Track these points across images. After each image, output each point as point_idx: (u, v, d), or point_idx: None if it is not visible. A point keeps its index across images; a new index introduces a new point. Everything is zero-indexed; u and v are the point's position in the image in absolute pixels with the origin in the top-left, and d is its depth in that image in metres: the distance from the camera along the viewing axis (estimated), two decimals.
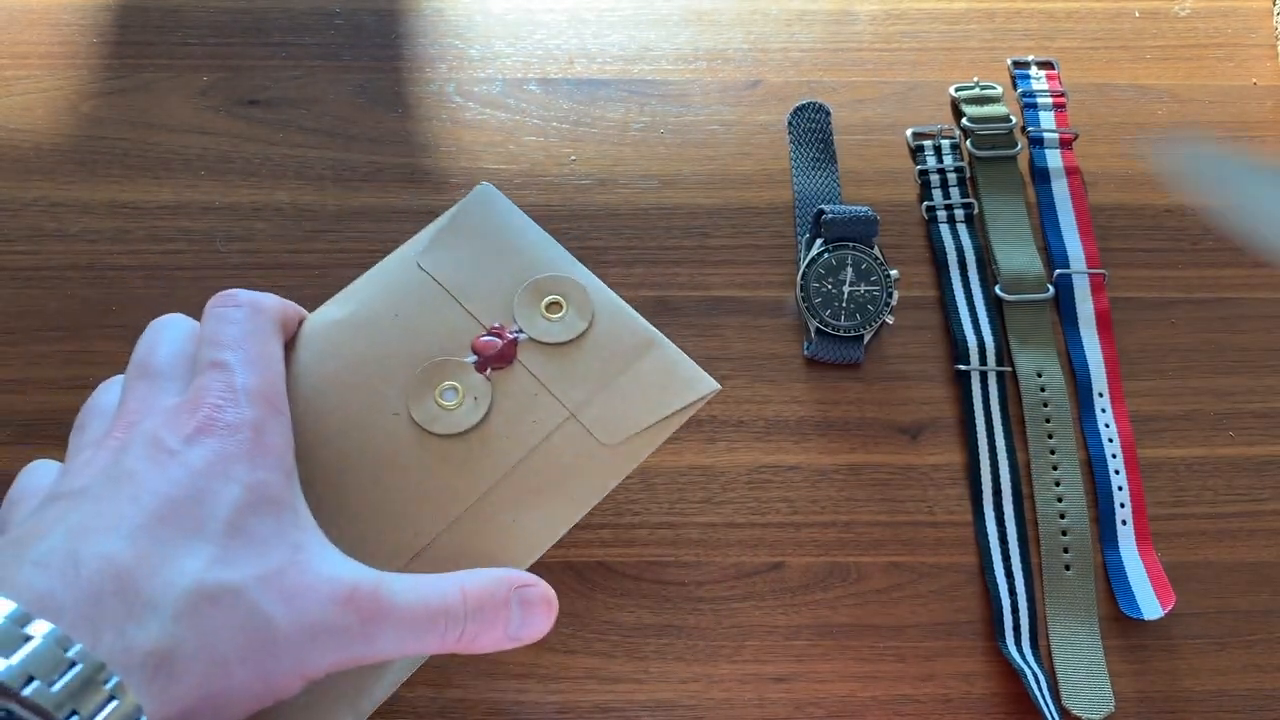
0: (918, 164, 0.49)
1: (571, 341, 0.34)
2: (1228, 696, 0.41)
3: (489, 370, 0.33)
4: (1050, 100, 0.51)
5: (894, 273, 0.45)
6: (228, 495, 0.27)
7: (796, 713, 0.40)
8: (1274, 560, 0.43)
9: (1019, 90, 0.51)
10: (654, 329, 0.35)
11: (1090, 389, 0.45)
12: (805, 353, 0.46)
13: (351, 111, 0.49)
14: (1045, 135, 0.50)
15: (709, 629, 0.41)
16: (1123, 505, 0.43)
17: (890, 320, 0.45)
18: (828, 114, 0.50)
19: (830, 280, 0.45)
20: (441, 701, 0.40)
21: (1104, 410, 0.45)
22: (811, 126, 0.50)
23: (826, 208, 0.46)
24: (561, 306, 0.34)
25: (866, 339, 0.45)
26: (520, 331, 0.34)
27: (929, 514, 0.43)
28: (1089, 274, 0.47)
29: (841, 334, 0.45)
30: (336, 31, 0.51)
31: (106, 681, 0.23)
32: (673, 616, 0.41)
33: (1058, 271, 0.47)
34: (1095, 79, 0.52)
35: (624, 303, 0.35)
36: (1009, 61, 0.52)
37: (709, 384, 0.34)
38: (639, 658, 0.41)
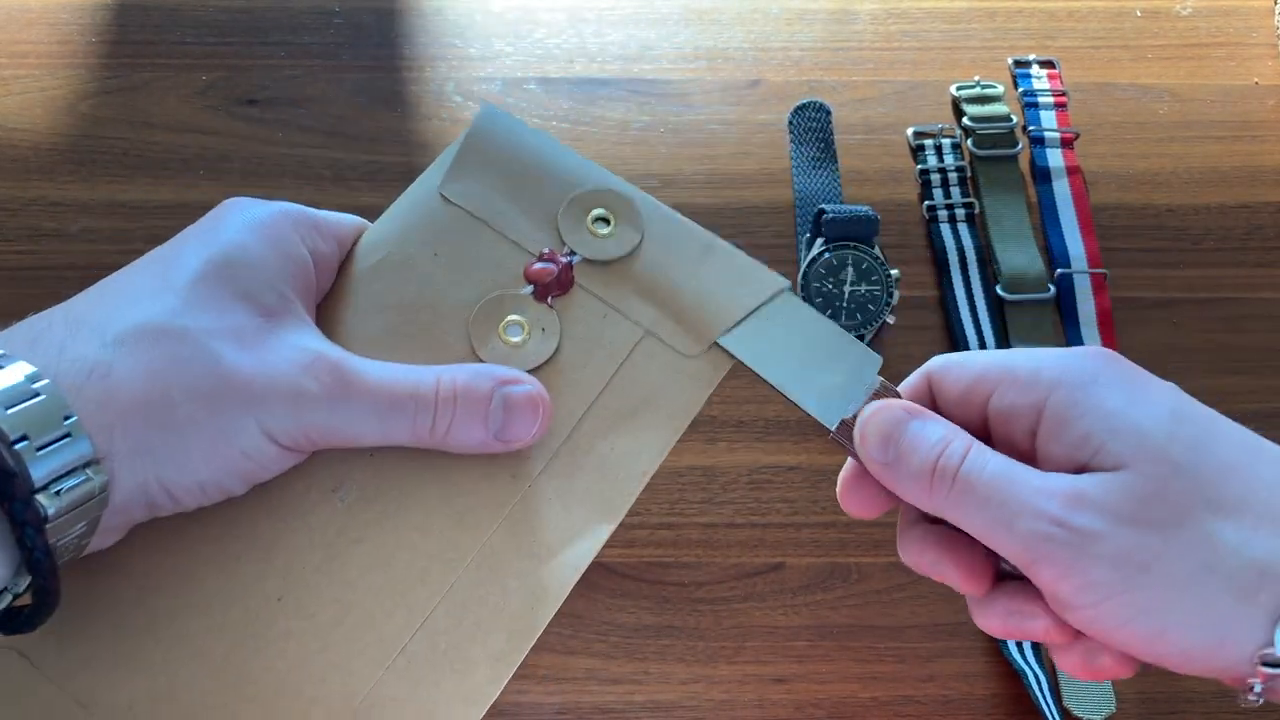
0: (918, 163, 0.49)
1: (628, 256, 0.32)
2: (1228, 697, 0.41)
3: (550, 299, 0.31)
4: (1051, 99, 0.50)
5: (895, 272, 0.45)
6: (197, 258, 0.27)
7: (797, 713, 0.40)
8: None
9: (1020, 89, 0.51)
10: (708, 231, 0.32)
11: None
12: None
13: (351, 111, 0.49)
14: (1046, 134, 0.50)
15: (709, 630, 0.41)
16: None
17: (891, 320, 0.45)
18: (828, 113, 0.50)
19: (831, 280, 0.45)
20: None
21: None
22: (812, 126, 0.50)
23: (827, 207, 0.45)
24: (609, 221, 0.32)
25: (867, 339, 0.45)
26: (573, 253, 0.32)
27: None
28: (1090, 273, 0.47)
29: None
30: (336, 31, 0.51)
31: (35, 381, 0.23)
32: (673, 617, 0.41)
33: (1059, 271, 0.47)
34: (1096, 78, 0.51)
35: (672, 209, 0.33)
36: (1010, 61, 0.52)
37: (776, 280, 0.32)
38: (639, 658, 0.41)
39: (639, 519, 0.43)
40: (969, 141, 0.49)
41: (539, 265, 0.31)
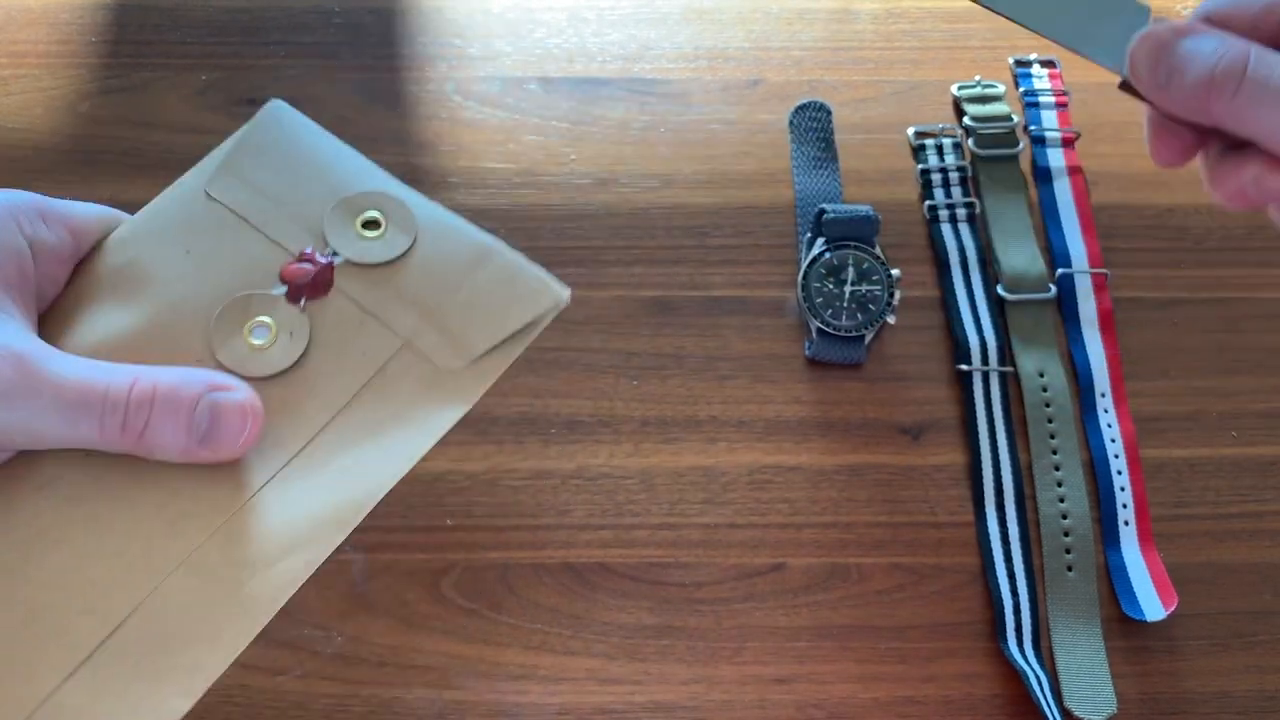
0: (919, 163, 0.49)
1: (395, 261, 0.30)
2: (1230, 698, 0.41)
3: (303, 301, 0.29)
4: (1052, 99, 0.50)
5: (895, 272, 0.45)
6: None
7: (798, 714, 0.40)
8: (1277, 561, 0.43)
9: (1021, 89, 0.51)
10: (490, 236, 0.31)
11: (1093, 389, 0.45)
12: (806, 353, 0.45)
13: (350, 111, 0.49)
14: (1047, 134, 0.50)
15: (710, 630, 0.41)
16: (1125, 506, 0.43)
17: (892, 320, 0.45)
18: (829, 113, 0.50)
19: (831, 280, 0.45)
20: (441, 703, 0.40)
21: (1106, 410, 0.45)
22: (812, 125, 0.50)
23: (827, 207, 0.45)
24: (380, 224, 0.30)
25: (868, 339, 0.45)
26: (335, 254, 0.30)
27: (930, 515, 0.43)
28: (1091, 273, 0.47)
29: (843, 334, 0.45)
30: (335, 30, 0.51)
31: None
32: (673, 618, 0.41)
33: (1060, 271, 0.47)
34: (1097, 78, 0.51)
35: (452, 213, 0.31)
36: (1011, 60, 0.52)
37: (555, 292, 0.30)
38: (639, 659, 0.41)
39: (639, 519, 0.42)
40: (970, 141, 0.49)
41: (296, 265, 0.30)
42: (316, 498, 0.28)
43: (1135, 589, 0.42)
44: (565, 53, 0.51)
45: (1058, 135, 0.50)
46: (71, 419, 0.26)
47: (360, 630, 0.40)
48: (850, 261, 0.45)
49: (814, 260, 0.45)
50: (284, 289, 0.30)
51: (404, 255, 0.30)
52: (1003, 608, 0.41)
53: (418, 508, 0.42)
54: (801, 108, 0.50)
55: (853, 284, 0.45)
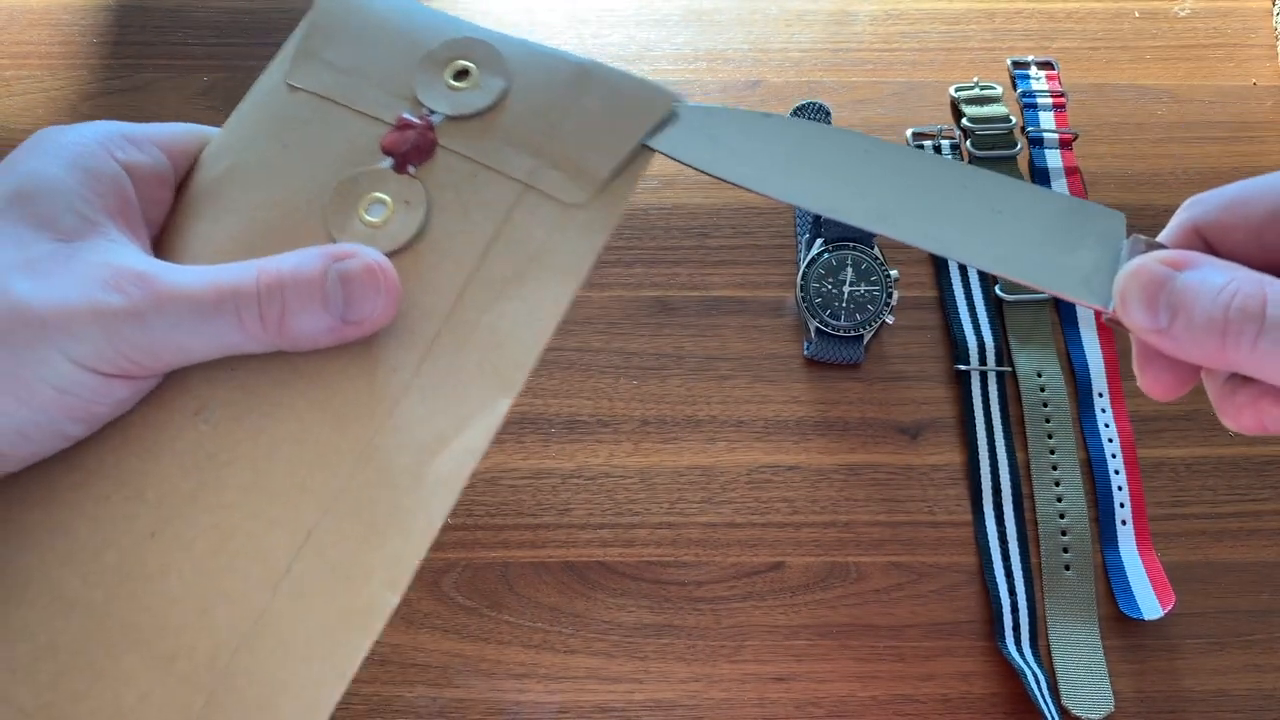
0: None
1: (495, 106, 0.29)
2: (1227, 696, 0.41)
3: (411, 168, 0.29)
4: (1050, 100, 0.51)
5: (894, 273, 0.45)
6: None
7: (796, 712, 0.40)
8: (1274, 560, 0.43)
9: (1019, 90, 0.51)
10: (583, 57, 0.29)
11: (1090, 389, 0.45)
12: (805, 353, 0.46)
13: None
14: (1045, 135, 0.50)
15: (709, 629, 0.41)
16: (1122, 505, 0.43)
17: (890, 320, 0.45)
18: (828, 114, 0.50)
19: (830, 280, 0.45)
20: (442, 701, 0.40)
21: (1104, 410, 0.45)
22: None
23: None
24: (469, 72, 0.29)
25: (866, 339, 0.45)
26: (431, 113, 0.29)
27: (929, 514, 0.43)
28: None
29: (841, 334, 0.45)
30: None
31: None
32: (673, 616, 0.41)
33: None
34: (1095, 79, 0.52)
35: (539, 44, 0.30)
36: (1009, 62, 0.52)
37: (664, 94, 0.28)
38: (639, 658, 0.41)
39: (639, 519, 0.43)
40: (968, 142, 0.49)
41: (394, 134, 0.29)
42: (475, 361, 0.27)
43: (1133, 588, 0.42)
44: None
45: (1055, 136, 0.50)
46: (209, 323, 0.25)
47: None
48: (849, 262, 0.45)
49: (813, 260, 0.46)
50: (389, 161, 0.29)
51: (501, 98, 0.29)
52: (1001, 607, 0.42)
53: None
54: (800, 109, 0.50)
55: (851, 284, 0.45)
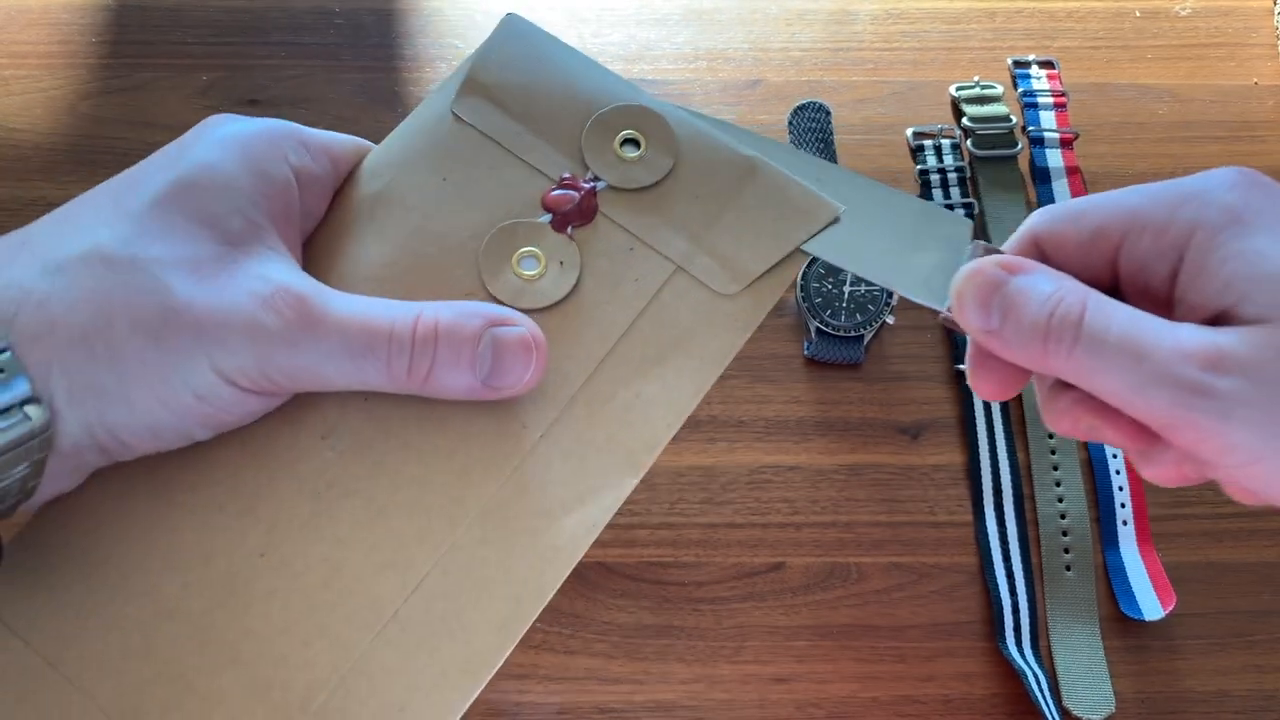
0: (918, 164, 0.49)
1: (659, 183, 0.29)
2: (1228, 697, 0.41)
3: (570, 229, 0.28)
4: (1051, 100, 0.50)
5: None
6: (159, 181, 0.25)
7: (797, 713, 0.40)
8: (1275, 561, 0.43)
9: (1019, 90, 0.51)
10: (752, 151, 0.29)
11: None
12: (805, 353, 0.45)
13: (351, 111, 0.49)
14: (1046, 135, 0.50)
15: (709, 629, 0.41)
16: (1123, 505, 0.43)
17: (890, 320, 0.45)
18: (828, 114, 0.50)
19: (830, 280, 0.45)
20: None
21: None
22: (812, 126, 0.50)
23: None
24: (639, 144, 0.29)
25: (867, 339, 0.45)
26: (597, 179, 0.29)
27: (929, 514, 0.43)
28: None
29: (842, 334, 0.45)
30: (336, 31, 0.51)
31: None
32: (673, 617, 0.41)
33: None
34: (1096, 79, 0.51)
35: (707, 124, 0.30)
36: (1009, 61, 0.52)
37: (829, 208, 0.28)
38: (639, 658, 0.41)
39: (639, 519, 0.43)
40: (969, 142, 0.49)
41: (558, 192, 0.29)
42: (605, 434, 0.27)
43: (1134, 588, 0.42)
44: None
45: (1056, 136, 0.50)
46: (357, 361, 0.25)
47: None
48: None
49: (813, 260, 0.45)
50: (548, 216, 0.28)
51: (666, 176, 0.29)
52: (1001, 607, 0.42)
53: None
54: (801, 108, 0.50)
55: (852, 284, 0.45)
